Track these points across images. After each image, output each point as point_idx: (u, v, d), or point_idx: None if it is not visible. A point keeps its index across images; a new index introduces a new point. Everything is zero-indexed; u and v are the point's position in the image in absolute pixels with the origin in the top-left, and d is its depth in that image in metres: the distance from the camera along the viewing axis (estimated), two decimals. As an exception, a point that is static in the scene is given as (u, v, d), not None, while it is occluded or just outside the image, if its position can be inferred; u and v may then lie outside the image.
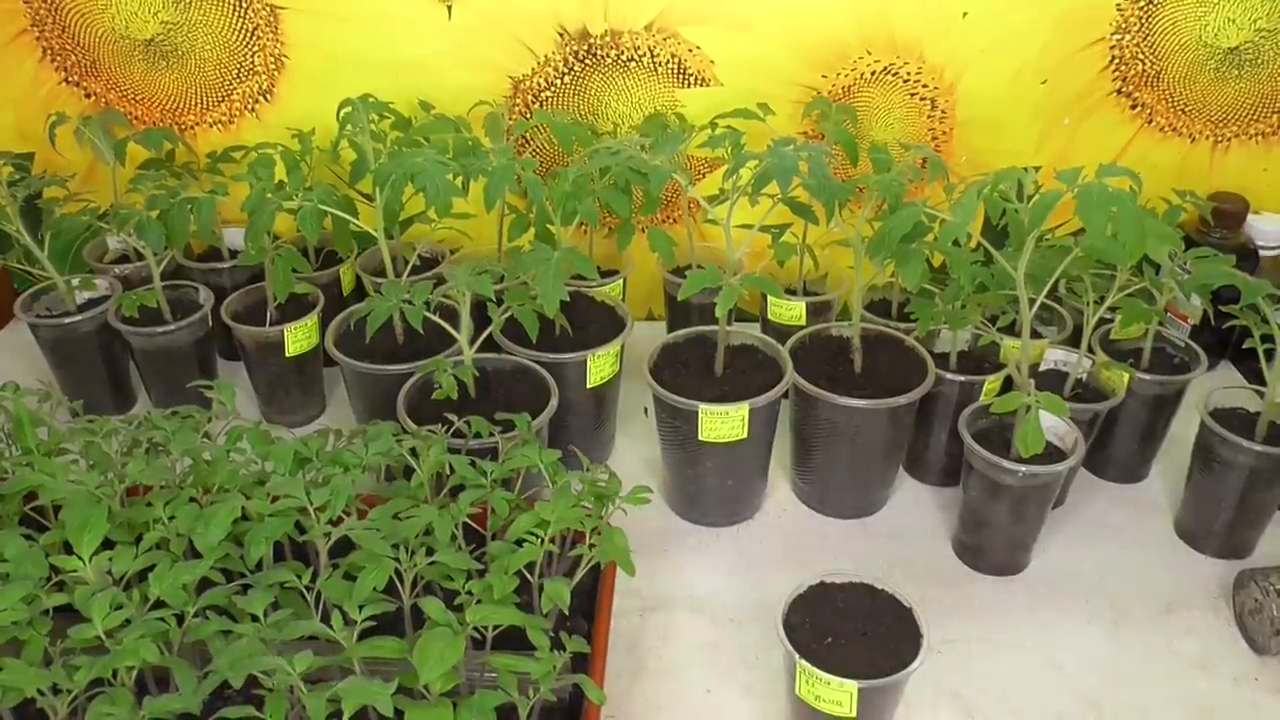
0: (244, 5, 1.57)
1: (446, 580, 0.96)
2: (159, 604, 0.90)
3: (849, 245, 1.26)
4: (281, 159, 1.45)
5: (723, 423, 1.21)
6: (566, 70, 1.60)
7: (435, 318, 1.28)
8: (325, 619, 0.87)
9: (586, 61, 1.59)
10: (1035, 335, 1.44)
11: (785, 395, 1.27)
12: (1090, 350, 1.33)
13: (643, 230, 1.46)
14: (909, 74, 1.57)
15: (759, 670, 1.12)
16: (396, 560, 0.93)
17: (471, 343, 1.28)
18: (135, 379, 1.56)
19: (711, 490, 1.30)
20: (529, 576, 1.01)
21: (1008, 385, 1.30)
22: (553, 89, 1.61)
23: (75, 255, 1.60)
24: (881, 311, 1.49)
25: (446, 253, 1.64)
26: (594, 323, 1.41)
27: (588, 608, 1.04)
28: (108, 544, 0.94)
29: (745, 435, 1.23)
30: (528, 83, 1.61)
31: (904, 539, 1.32)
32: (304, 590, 0.94)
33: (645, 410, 1.53)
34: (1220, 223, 1.51)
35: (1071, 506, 1.37)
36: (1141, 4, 1.51)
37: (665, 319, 1.73)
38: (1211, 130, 1.62)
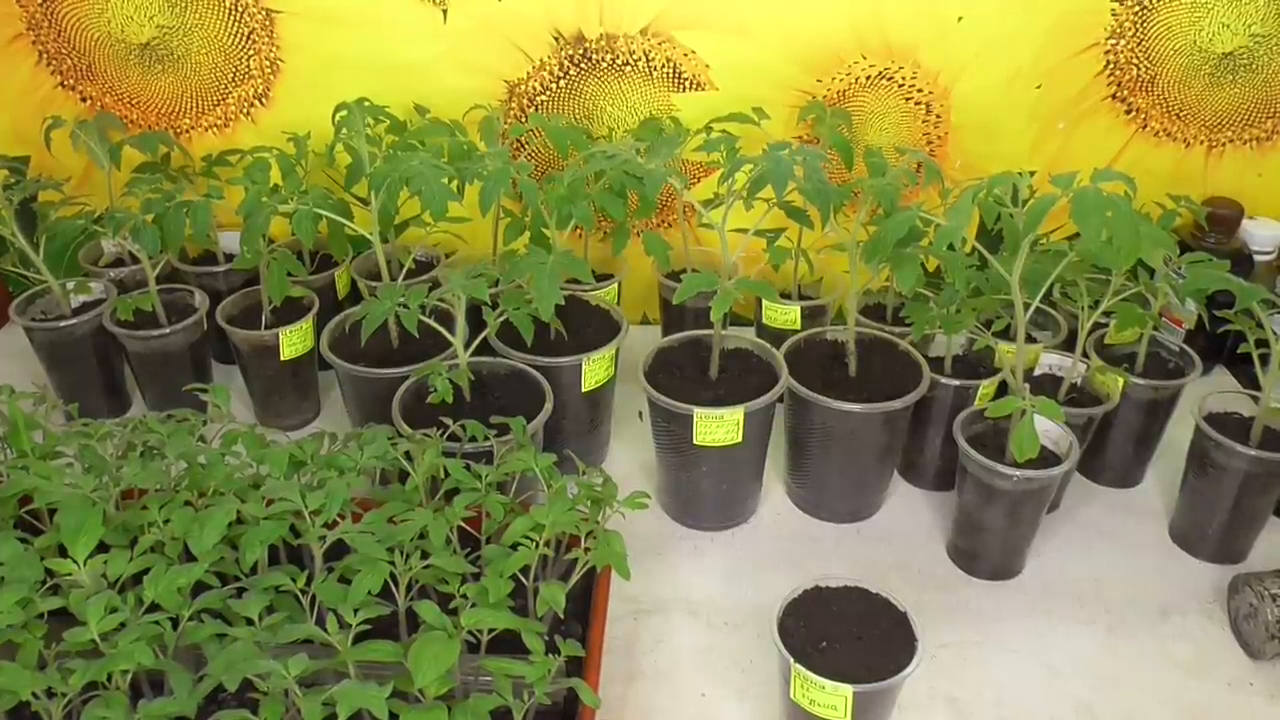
0: (239, 9, 1.57)
1: (441, 584, 0.96)
2: (154, 607, 0.90)
3: (844, 249, 1.26)
4: (277, 163, 1.45)
5: (717, 426, 1.21)
6: (562, 74, 1.60)
7: (430, 321, 1.28)
8: (320, 622, 0.87)
9: (582, 65, 1.59)
10: (1030, 339, 1.44)
11: (780, 399, 1.27)
12: (1085, 355, 1.33)
13: (638, 234, 1.46)
14: (904, 78, 1.58)
15: (754, 674, 1.12)
16: (391, 564, 0.93)
17: (466, 346, 1.29)
18: (130, 382, 1.56)
19: (706, 494, 1.31)
20: (524, 580, 1.01)
21: (1002, 390, 1.30)
22: (548, 93, 1.62)
23: (70, 258, 1.60)
24: (876, 315, 1.49)
25: (442, 256, 1.64)
26: (589, 326, 1.41)
27: (583, 611, 1.04)
28: (103, 547, 0.94)
29: (740, 439, 1.23)
30: (523, 87, 1.61)
31: (899, 543, 1.32)
32: (299, 594, 0.94)
33: (640, 414, 1.54)
34: (1215, 227, 1.52)
35: (1066, 511, 1.37)
36: (1136, 9, 1.51)
37: (660, 323, 1.73)
38: (1206, 135, 1.62)
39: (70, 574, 0.91)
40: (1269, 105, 1.60)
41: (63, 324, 1.45)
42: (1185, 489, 1.30)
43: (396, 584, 0.95)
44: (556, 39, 1.57)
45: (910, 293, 1.19)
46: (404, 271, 1.42)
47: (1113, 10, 1.51)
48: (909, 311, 1.31)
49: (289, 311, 1.47)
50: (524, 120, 1.62)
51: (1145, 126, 1.61)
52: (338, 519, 0.99)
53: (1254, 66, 1.56)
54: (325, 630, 0.85)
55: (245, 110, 1.65)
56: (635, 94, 1.61)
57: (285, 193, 1.32)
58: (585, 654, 0.95)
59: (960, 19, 1.52)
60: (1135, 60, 1.56)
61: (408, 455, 1.10)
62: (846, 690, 0.91)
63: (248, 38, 1.59)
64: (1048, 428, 1.19)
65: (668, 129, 1.55)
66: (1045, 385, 1.34)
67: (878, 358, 1.34)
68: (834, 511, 1.35)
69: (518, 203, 1.54)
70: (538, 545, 0.98)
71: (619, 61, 1.58)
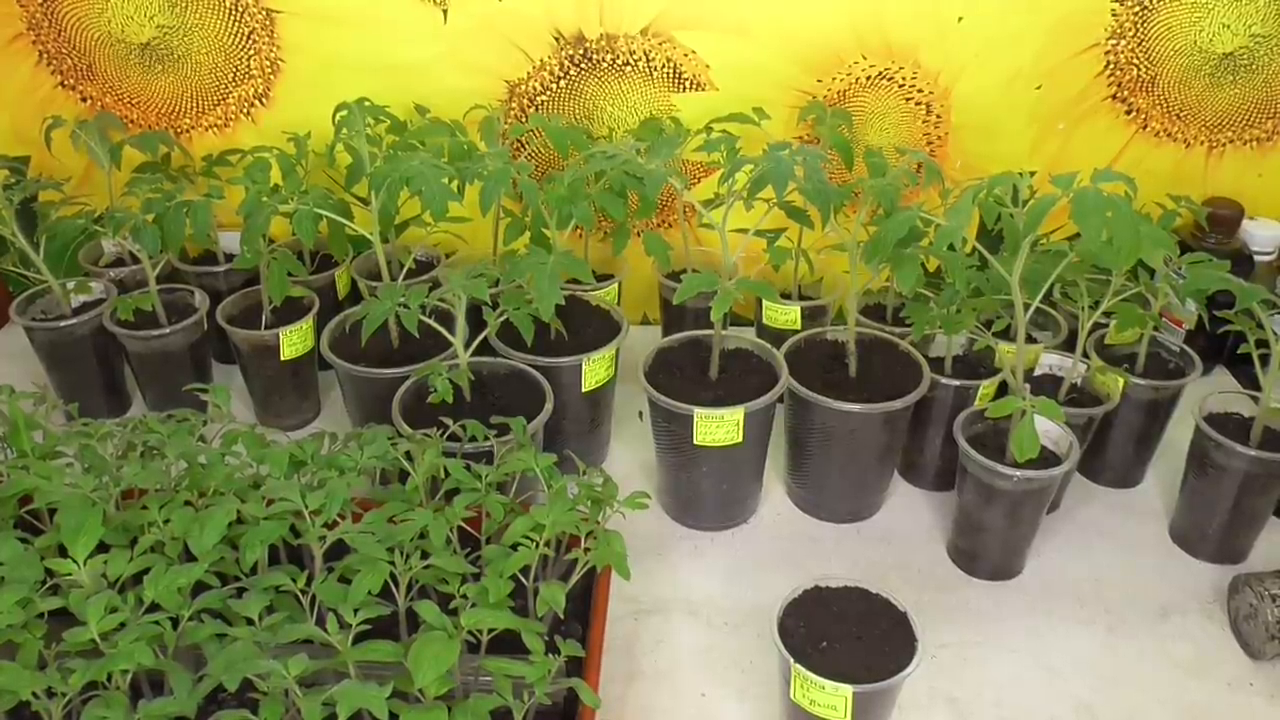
0: (240, 9, 1.57)
1: (441, 584, 0.96)
2: (154, 607, 0.90)
3: (844, 250, 1.26)
4: (277, 162, 1.45)
5: (717, 427, 1.21)
6: (562, 74, 1.60)
7: (430, 321, 1.28)
8: (320, 622, 0.87)
9: (582, 66, 1.59)
10: (1030, 340, 1.44)
11: (780, 399, 1.27)
12: (1085, 355, 1.33)
13: (638, 234, 1.46)
14: (904, 79, 1.58)
15: (753, 674, 1.12)
16: (391, 564, 0.93)
17: (467, 346, 1.29)
18: (130, 382, 1.56)
19: (706, 494, 1.31)
20: (524, 580, 1.01)
21: (1002, 390, 1.30)
22: (548, 93, 1.62)
23: (71, 258, 1.60)
24: (876, 316, 1.49)
25: (442, 256, 1.64)
26: (589, 327, 1.41)
27: (583, 611, 1.04)
28: (103, 547, 0.94)
29: (740, 439, 1.23)
30: (523, 87, 1.61)
31: (899, 543, 1.32)
32: (299, 594, 0.94)
33: (640, 414, 1.54)
34: (1215, 228, 1.52)
35: (1066, 511, 1.37)
36: (1136, 9, 1.51)
37: (660, 323, 1.73)
38: (1206, 135, 1.62)
39: (70, 574, 0.91)
40: (1269, 105, 1.60)
41: (63, 324, 1.45)
42: (1185, 489, 1.30)
43: (396, 584, 0.95)
44: (557, 39, 1.57)
45: (910, 293, 1.19)
46: (404, 271, 1.42)
47: (1113, 11, 1.51)
48: (909, 311, 1.31)
49: (289, 311, 1.47)
50: (524, 120, 1.62)
51: (1145, 127, 1.61)
52: (338, 519, 0.99)
53: (1254, 67, 1.56)
54: (325, 630, 0.85)
55: (245, 110, 1.65)
56: (635, 94, 1.61)
57: (285, 193, 1.32)
58: (585, 654, 0.95)
59: (960, 19, 1.52)
60: (1135, 61, 1.56)
61: (408, 455, 1.10)
62: (846, 690, 0.91)
63: (248, 38, 1.59)
64: (1048, 428, 1.19)
65: (668, 129, 1.55)
66: (1045, 385, 1.34)
67: (878, 358, 1.34)
68: (834, 511, 1.35)
69: (518, 203, 1.54)
70: (538, 545, 0.98)
71: (619, 61, 1.58)
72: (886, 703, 0.98)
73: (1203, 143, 1.63)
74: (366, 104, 1.42)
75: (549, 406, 1.25)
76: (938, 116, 1.61)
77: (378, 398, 1.28)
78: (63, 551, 0.93)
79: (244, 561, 0.95)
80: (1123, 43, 1.54)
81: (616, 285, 1.57)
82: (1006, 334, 1.34)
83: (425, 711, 0.80)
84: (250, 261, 1.40)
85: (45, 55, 1.62)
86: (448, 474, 1.07)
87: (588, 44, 1.57)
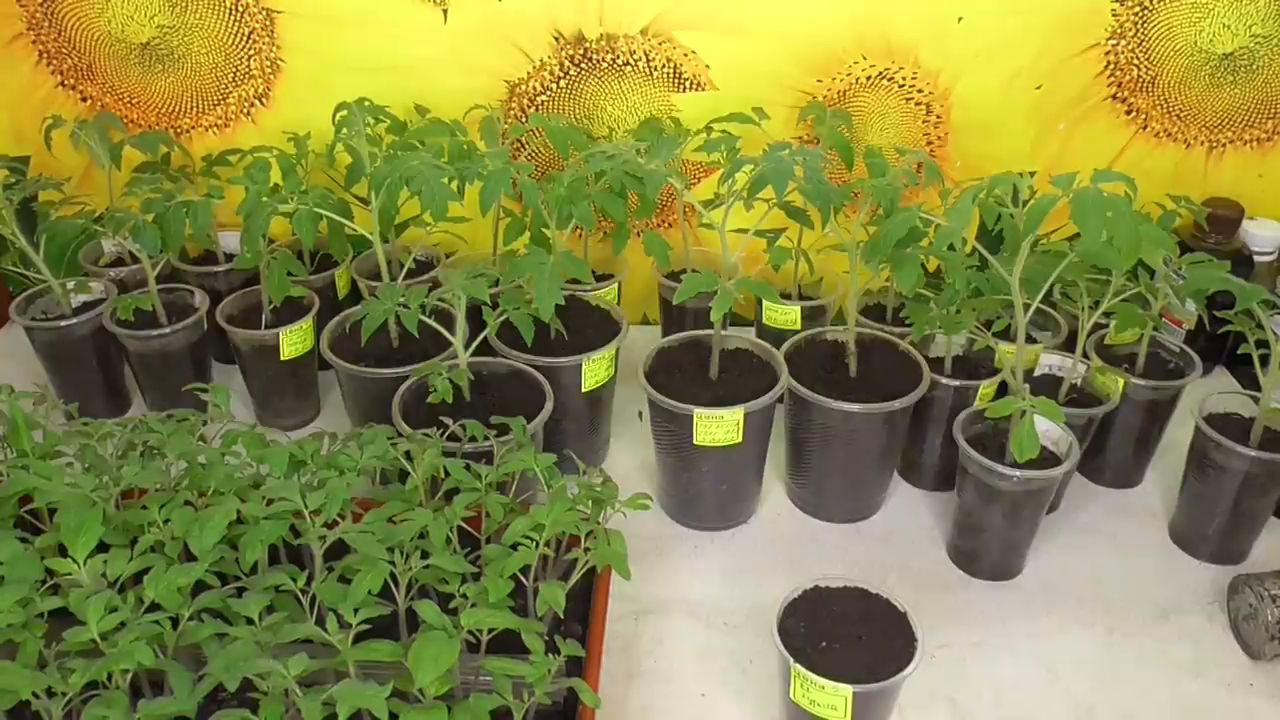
0: (240, 9, 1.57)
1: (441, 584, 0.96)
2: (154, 607, 0.90)
3: (844, 250, 1.26)
4: (277, 162, 1.45)
5: (717, 427, 1.21)
6: (562, 74, 1.60)
7: (430, 321, 1.28)
8: (320, 622, 0.87)
9: (582, 66, 1.59)
10: (1030, 340, 1.44)
11: (780, 399, 1.27)
12: (1085, 355, 1.33)
13: (638, 234, 1.46)
14: (904, 79, 1.58)
15: (753, 674, 1.12)
16: (391, 564, 0.93)
17: (466, 346, 1.28)
18: (130, 382, 1.56)
19: (706, 494, 1.31)
20: (524, 580, 1.01)
21: (1002, 390, 1.30)
22: (548, 93, 1.62)
23: (71, 258, 1.60)
24: (876, 316, 1.49)
25: (442, 256, 1.64)
26: (589, 327, 1.41)
27: (582, 611, 1.04)
28: (103, 547, 0.95)
29: (740, 439, 1.23)
30: (523, 87, 1.61)
31: (899, 543, 1.32)
32: (299, 593, 0.94)
33: (640, 414, 1.53)
34: (1215, 228, 1.52)
35: (1066, 511, 1.37)
36: (1136, 9, 1.51)
37: (660, 323, 1.73)
38: (1206, 136, 1.62)
39: (70, 574, 0.91)
40: (1269, 106, 1.60)
41: (63, 324, 1.45)
42: (1185, 490, 1.30)
43: (396, 584, 0.95)
44: (557, 39, 1.57)
45: (910, 293, 1.19)
46: (404, 271, 1.42)
47: (1113, 10, 1.51)
48: (909, 312, 1.31)
49: (289, 311, 1.47)
50: (524, 120, 1.62)
51: (1146, 127, 1.61)
52: (338, 519, 0.99)
53: (1255, 67, 1.56)
54: (325, 630, 0.85)
55: (245, 110, 1.65)
56: (635, 94, 1.61)
57: (285, 193, 1.32)
58: (585, 654, 0.95)
59: (960, 19, 1.52)
60: (1136, 61, 1.56)
61: (408, 455, 1.10)
62: (846, 690, 0.91)
63: (248, 38, 1.59)
64: (1048, 428, 1.19)
65: (668, 129, 1.56)
66: (1045, 386, 1.34)
67: (878, 358, 1.34)
68: (834, 511, 1.35)
69: (518, 203, 1.54)
70: (538, 545, 0.98)
71: (619, 61, 1.58)
72: (886, 703, 0.98)
73: (1203, 143, 1.63)
74: (366, 104, 1.42)
75: (549, 406, 1.25)
76: (938, 116, 1.61)
77: (377, 398, 1.28)
78: (63, 551, 0.93)
79: (244, 561, 0.95)
80: (1123, 43, 1.54)
81: (616, 285, 1.57)
82: (1006, 334, 1.34)
83: (425, 711, 0.80)
84: (250, 261, 1.40)
85: (45, 55, 1.62)
86: (448, 474, 1.07)
87: (588, 44, 1.57)
